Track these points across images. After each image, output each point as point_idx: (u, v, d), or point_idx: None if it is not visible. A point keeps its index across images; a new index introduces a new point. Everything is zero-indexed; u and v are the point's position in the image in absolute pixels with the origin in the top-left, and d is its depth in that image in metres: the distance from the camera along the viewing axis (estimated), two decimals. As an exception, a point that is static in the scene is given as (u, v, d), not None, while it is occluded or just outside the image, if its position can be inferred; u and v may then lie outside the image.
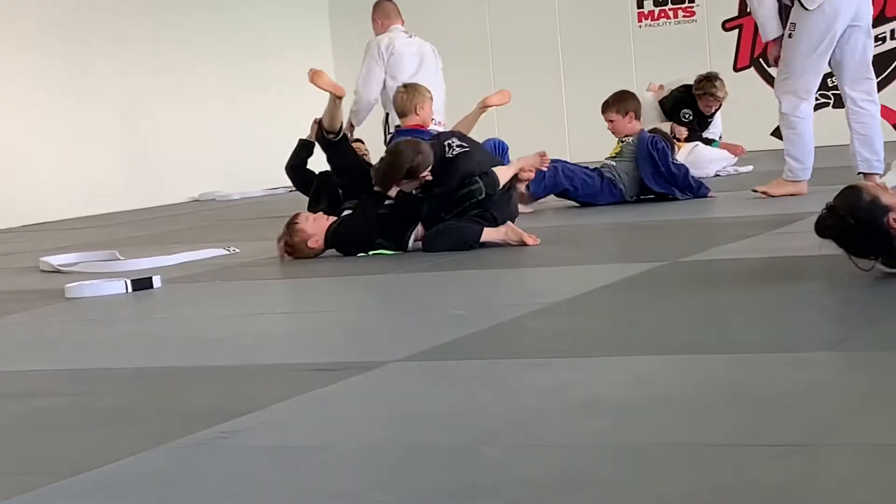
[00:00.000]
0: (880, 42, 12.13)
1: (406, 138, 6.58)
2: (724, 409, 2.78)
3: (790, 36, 7.19)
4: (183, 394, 3.46)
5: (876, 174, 6.91)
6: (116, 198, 11.53)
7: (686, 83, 10.04)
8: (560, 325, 4.01)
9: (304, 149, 7.40)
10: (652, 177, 7.84)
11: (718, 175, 9.59)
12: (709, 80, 9.93)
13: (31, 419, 3.28)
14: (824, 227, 4.19)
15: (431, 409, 3.01)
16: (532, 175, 6.63)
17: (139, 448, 2.82)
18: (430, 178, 6.10)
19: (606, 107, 8.13)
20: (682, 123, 9.81)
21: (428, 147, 6.17)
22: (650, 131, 8.17)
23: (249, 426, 2.96)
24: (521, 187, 6.60)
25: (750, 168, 9.90)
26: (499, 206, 6.16)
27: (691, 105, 9.87)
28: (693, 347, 3.49)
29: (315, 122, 7.12)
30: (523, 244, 5.99)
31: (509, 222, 6.13)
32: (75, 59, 11.40)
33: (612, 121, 8.09)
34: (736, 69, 12.57)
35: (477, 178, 6.08)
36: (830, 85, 12.37)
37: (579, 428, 2.72)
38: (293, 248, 6.23)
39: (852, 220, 4.11)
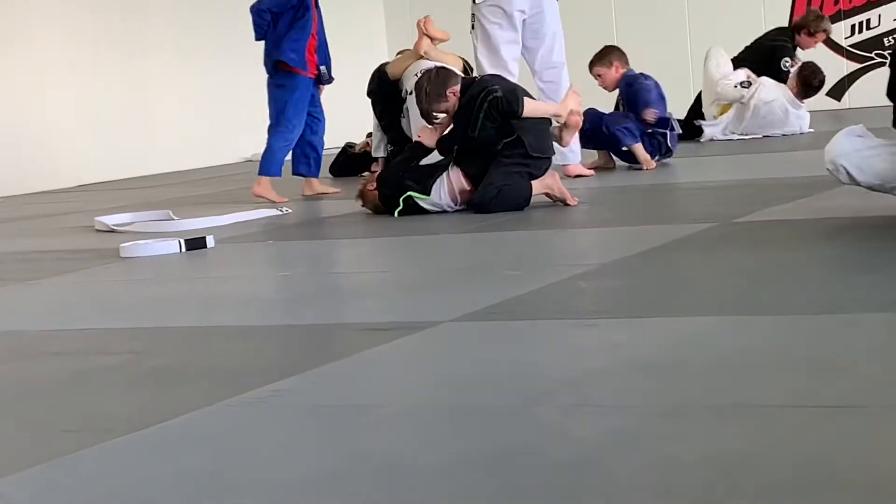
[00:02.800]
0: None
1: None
2: (776, 371, 2.78)
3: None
4: (236, 353, 3.49)
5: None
6: (170, 158, 11.59)
7: (779, 26, 9.88)
8: (611, 286, 4.01)
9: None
10: (617, 115, 7.90)
11: (767, 137, 9.50)
12: (820, 18, 9.76)
13: (88, 377, 3.33)
14: None
15: (483, 370, 3.03)
16: (581, 119, 6.62)
17: (194, 406, 2.85)
18: (458, 94, 6.21)
19: (591, 65, 8.14)
20: (780, 74, 9.43)
21: (449, 67, 6.66)
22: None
23: (301, 386, 2.99)
24: (568, 139, 6.58)
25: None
26: (533, 134, 6.18)
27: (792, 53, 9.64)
28: (745, 308, 3.48)
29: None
30: (564, 202, 6.00)
31: (555, 173, 6.15)
32: (128, 18, 11.45)
33: (600, 75, 8.10)
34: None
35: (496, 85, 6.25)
36: (887, 45, 12.25)
37: (631, 388, 2.73)
38: (363, 194, 6.44)
39: None
